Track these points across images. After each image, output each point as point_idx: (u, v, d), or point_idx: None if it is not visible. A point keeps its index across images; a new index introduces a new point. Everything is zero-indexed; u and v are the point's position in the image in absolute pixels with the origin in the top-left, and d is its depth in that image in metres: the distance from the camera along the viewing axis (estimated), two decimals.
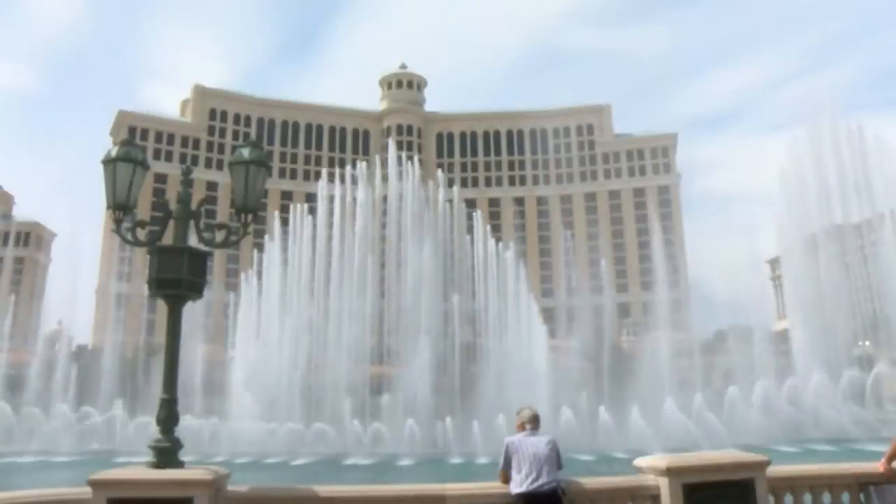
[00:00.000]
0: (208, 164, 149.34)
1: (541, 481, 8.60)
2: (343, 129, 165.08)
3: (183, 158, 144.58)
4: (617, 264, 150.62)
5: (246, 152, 9.96)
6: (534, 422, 9.28)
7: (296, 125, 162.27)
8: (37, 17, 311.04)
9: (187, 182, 10.20)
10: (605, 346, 63.52)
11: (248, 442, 43.85)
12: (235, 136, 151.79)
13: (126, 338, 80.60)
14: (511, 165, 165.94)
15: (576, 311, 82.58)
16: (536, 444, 8.93)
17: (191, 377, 51.59)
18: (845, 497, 9.94)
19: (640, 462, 9.75)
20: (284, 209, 72.55)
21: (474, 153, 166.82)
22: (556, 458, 8.92)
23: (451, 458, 38.34)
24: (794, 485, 9.85)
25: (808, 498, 9.91)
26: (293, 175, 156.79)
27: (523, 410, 9.42)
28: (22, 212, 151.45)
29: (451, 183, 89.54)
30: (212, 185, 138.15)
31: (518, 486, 8.69)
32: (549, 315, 76.85)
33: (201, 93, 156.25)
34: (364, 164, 73.29)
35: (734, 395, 46.65)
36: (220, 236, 10.17)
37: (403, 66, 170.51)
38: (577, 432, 41.15)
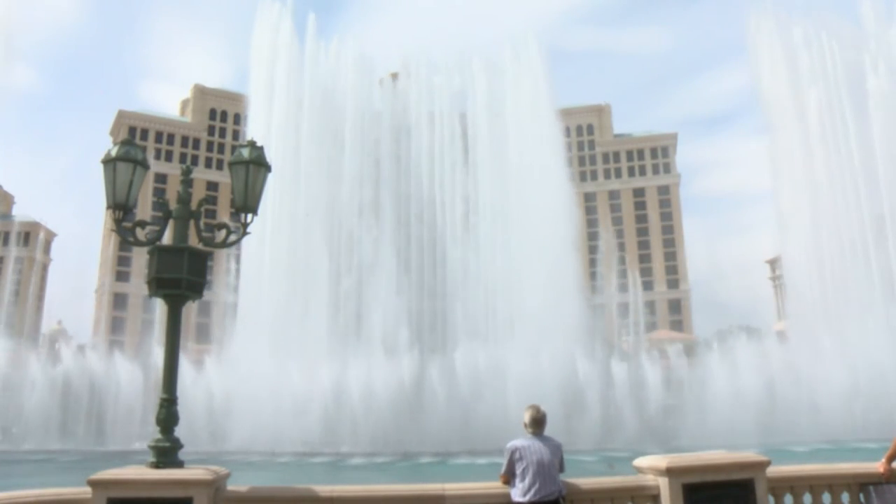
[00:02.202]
0: (208, 164, 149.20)
1: (544, 491, 8.46)
2: None
3: (183, 158, 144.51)
4: (616, 264, 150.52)
5: (246, 152, 9.95)
6: (536, 425, 8.96)
7: None
8: (37, 17, 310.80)
9: (187, 182, 10.18)
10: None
11: None
12: (235, 136, 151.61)
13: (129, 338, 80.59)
14: None
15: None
16: (541, 450, 8.69)
17: None
18: (845, 497, 9.91)
19: (639, 462, 9.66)
20: None
21: None
22: (559, 463, 8.78)
23: None
24: (793, 485, 9.83)
25: (807, 498, 9.88)
26: None
27: (527, 411, 9.05)
28: (22, 212, 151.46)
29: None
30: (212, 185, 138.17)
31: (521, 494, 8.52)
32: None
33: (201, 93, 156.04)
34: None
35: None
36: (220, 236, 10.16)
37: (403, 66, 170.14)
38: None
